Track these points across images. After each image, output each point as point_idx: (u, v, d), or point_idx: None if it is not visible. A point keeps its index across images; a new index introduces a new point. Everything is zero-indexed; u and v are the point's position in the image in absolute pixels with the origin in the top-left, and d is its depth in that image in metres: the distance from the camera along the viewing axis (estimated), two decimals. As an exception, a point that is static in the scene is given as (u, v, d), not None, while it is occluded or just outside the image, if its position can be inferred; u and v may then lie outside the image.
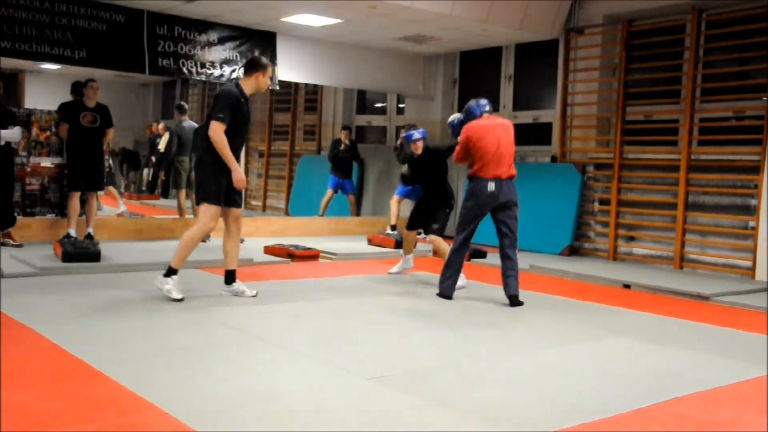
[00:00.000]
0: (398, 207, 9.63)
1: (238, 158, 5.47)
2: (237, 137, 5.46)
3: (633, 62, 8.87)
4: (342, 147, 10.95)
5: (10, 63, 12.69)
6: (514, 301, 5.78)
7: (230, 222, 5.61)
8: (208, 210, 5.41)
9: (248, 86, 5.51)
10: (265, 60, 5.62)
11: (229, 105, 5.32)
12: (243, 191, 5.91)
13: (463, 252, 6.01)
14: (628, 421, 3.25)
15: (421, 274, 7.28)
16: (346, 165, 10.91)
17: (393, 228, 9.52)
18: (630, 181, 8.88)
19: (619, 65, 8.94)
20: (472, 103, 6.08)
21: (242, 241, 8.79)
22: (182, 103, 10.58)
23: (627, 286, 7.06)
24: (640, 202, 8.74)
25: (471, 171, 5.93)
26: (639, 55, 8.87)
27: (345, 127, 11.25)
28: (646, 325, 5.35)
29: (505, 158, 5.83)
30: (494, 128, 5.86)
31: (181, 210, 9.89)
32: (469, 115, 6.01)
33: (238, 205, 5.63)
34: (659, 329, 5.25)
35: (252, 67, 5.54)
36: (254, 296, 5.66)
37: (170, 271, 5.41)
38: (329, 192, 11.06)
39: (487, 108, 6.02)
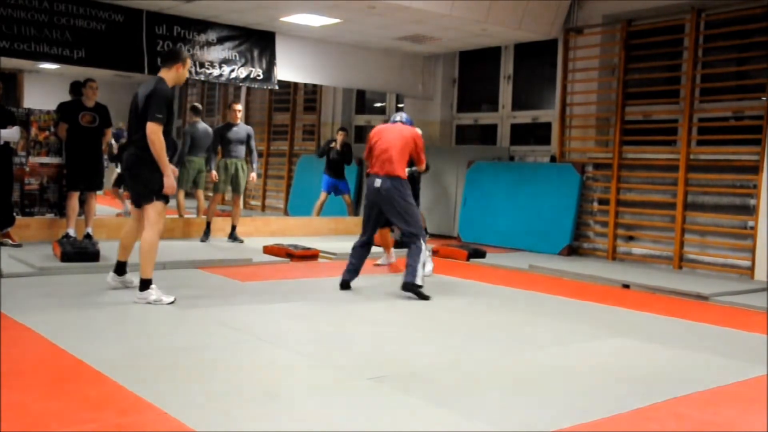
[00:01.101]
0: None
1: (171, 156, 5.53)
2: (167, 136, 5.38)
3: (632, 62, 8.87)
4: (334, 147, 10.82)
5: (9, 63, 12.68)
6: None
7: (143, 217, 5.44)
8: (157, 207, 5.31)
9: (169, 79, 5.37)
10: (184, 51, 5.61)
11: (167, 104, 5.25)
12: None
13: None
14: (628, 420, 3.25)
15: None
16: (338, 166, 10.85)
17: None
18: (629, 181, 8.88)
19: (618, 65, 8.94)
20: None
21: (242, 241, 8.83)
22: (197, 104, 10.68)
23: (626, 286, 7.06)
24: (640, 202, 8.74)
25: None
26: (638, 55, 8.87)
27: (342, 129, 11.24)
28: (645, 325, 5.35)
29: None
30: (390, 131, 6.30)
31: (179, 208, 9.95)
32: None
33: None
34: (658, 329, 5.25)
35: (172, 58, 5.43)
36: (132, 287, 5.55)
37: (146, 284, 5.28)
38: (322, 195, 10.87)
39: (398, 119, 6.46)
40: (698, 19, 8.21)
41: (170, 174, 5.29)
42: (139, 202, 5.44)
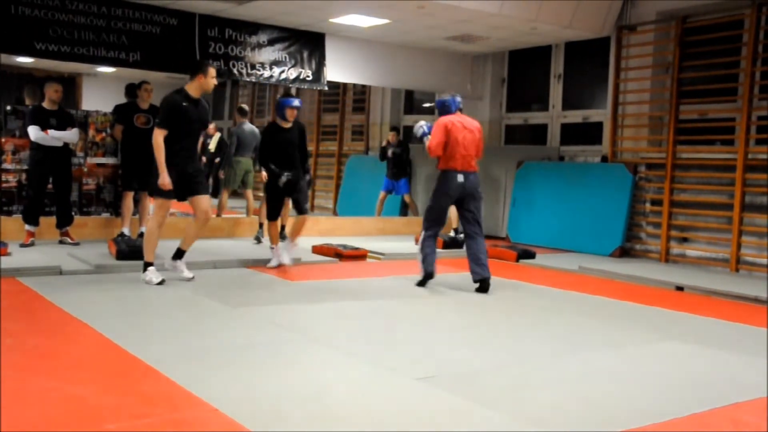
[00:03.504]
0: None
1: (192, 157, 6.05)
2: (186, 138, 5.99)
3: (687, 60, 8.67)
4: (388, 147, 10.91)
5: (68, 66, 13.08)
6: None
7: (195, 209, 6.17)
8: (156, 201, 6.00)
9: (193, 89, 5.99)
10: (205, 62, 6.24)
11: (168, 112, 5.88)
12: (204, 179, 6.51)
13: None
14: (682, 426, 3.18)
15: (467, 274, 7.23)
16: (395, 166, 10.91)
17: (455, 230, 9.42)
18: (683, 182, 8.68)
19: (672, 63, 8.75)
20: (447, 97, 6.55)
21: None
22: (243, 105, 10.83)
23: (680, 289, 6.91)
24: (694, 203, 8.54)
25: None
26: (693, 53, 8.66)
27: (393, 129, 11.28)
28: (700, 329, 5.23)
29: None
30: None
31: (220, 207, 10.14)
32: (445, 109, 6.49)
33: (200, 193, 6.10)
34: (714, 333, 5.12)
35: (194, 70, 6.06)
36: (190, 279, 6.13)
37: (147, 265, 5.97)
38: (381, 194, 11.08)
39: (460, 103, 6.55)
40: (759, 13, 7.98)
41: (164, 171, 5.84)
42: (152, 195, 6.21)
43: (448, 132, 6.26)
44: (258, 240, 8.83)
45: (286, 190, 7.25)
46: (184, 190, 6.03)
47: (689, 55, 8.68)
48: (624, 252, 8.94)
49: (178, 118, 5.88)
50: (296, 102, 7.23)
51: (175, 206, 11.73)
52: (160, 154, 5.84)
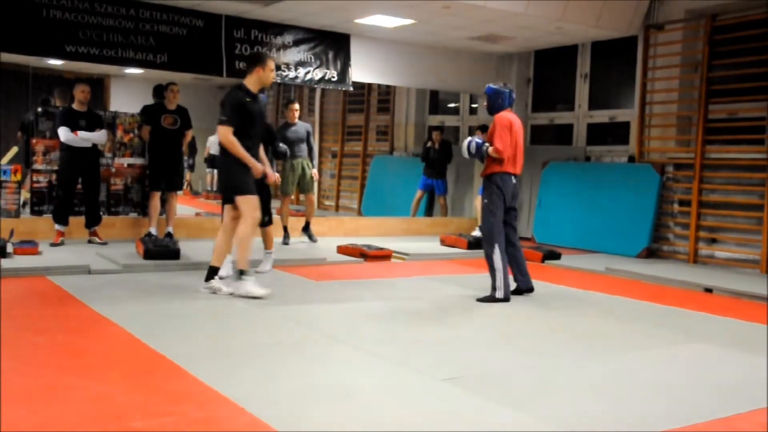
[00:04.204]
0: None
1: (256, 156, 5.66)
2: (252, 138, 5.60)
3: (716, 58, 8.55)
4: (431, 146, 10.93)
5: (97, 68, 13.22)
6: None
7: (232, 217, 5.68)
8: (248, 201, 5.53)
9: (252, 84, 5.60)
10: (265, 53, 5.74)
11: (234, 109, 5.47)
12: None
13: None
14: (710, 430, 3.14)
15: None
16: (436, 165, 10.91)
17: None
18: (712, 182, 8.56)
19: (701, 62, 8.63)
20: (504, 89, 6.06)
21: (315, 240, 8.90)
22: None
23: (709, 290, 6.81)
24: (723, 204, 8.42)
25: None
26: (723, 51, 8.54)
27: (437, 128, 11.28)
28: (729, 331, 5.15)
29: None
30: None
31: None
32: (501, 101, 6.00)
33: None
34: (744, 336, 5.04)
35: (252, 62, 5.66)
36: (230, 294, 5.56)
37: (241, 273, 5.57)
38: (418, 193, 11.07)
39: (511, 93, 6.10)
40: (789, 12, 7.85)
41: (254, 162, 5.53)
42: (232, 198, 5.65)
43: (511, 131, 5.86)
44: (286, 240, 8.73)
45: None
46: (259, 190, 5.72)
47: (719, 54, 8.56)
48: (651, 253, 8.85)
49: (244, 116, 5.50)
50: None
51: (201, 206, 11.87)
52: (240, 149, 5.43)
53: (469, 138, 6.11)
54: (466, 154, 6.04)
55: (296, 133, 8.70)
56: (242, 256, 5.54)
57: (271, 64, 5.64)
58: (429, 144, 10.96)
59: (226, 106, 5.51)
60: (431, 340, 4.57)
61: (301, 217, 9.36)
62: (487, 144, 5.88)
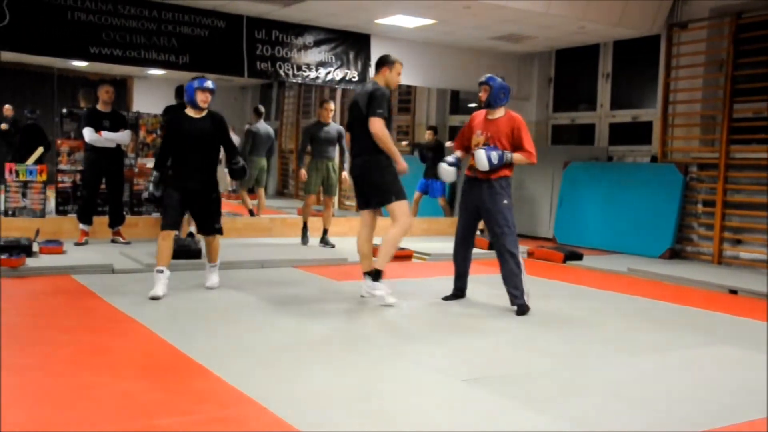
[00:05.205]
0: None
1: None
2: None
3: (741, 57, 8.45)
4: (424, 146, 10.81)
5: (120, 69, 13.38)
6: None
7: (373, 220, 5.71)
8: (404, 205, 5.52)
9: (380, 83, 5.55)
10: (392, 56, 5.63)
11: (386, 102, 5.38)
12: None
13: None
14: (735, 433, 3.11)
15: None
16: (431, 166, 10.81)
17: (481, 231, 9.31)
18: (737, 182, 8.46)
19: (726, 60, 8.53)
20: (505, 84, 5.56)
21: (333, 246, 8.69)
22: (259, 106, 11.10)
23: (733, 292, 6.73)
24: (749, 204, 8.32)
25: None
26: (748, 50, 8.43)
27: (430, 128, 11.21)
28: (754, 334, 5.08)
29: None
30: None
31: (260, 208, 10.35)
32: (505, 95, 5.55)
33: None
34: (769, 338, 4.98)
35: (379, 64, 5.62)
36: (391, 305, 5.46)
37: (378, 274, 5.49)
38: (416, 194, 10.98)
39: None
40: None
41: (401, 159, 5.50)
42: (368, 204, 5.62)
43: None
44: (305, 239, 8.72)
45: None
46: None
47: (744, 52, 8.46)
48: (674, 254, 8.76)
49: (388, 111, 5.43)
50: (209, 83, 5.69)
51: (223, 206, 11.92)
52: (390, 143, 5.38)
53: (483, 149, 5.42)
54: (486, 168, 5.38)
55: (327, 134, 8.42)
56: (386, 257, 5.52)
57: (399, 68, 5.60)
58: (425, 146, 10.75)
59: (378, 99, 5.34)
60: (452, 341, 4.56)
61: (320, 217, 9.30)
62: (507, 152, 5.45)
